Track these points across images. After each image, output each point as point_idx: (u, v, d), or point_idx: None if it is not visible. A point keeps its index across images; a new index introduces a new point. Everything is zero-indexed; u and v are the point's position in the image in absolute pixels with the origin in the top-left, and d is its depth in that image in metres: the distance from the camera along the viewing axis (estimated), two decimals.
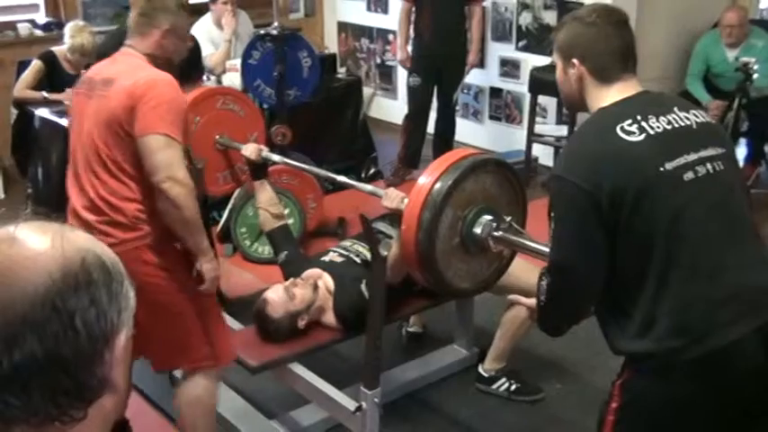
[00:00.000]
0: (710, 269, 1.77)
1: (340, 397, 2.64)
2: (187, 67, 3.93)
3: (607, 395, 1.87)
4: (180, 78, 3.74)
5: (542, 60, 5.53)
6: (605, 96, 1.88)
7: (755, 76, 4.89)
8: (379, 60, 7.11)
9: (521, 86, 5.96)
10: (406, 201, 2.43)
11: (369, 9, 7.04)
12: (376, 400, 2.54)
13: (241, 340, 2.84)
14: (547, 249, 1.94)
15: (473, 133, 6.26)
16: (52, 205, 3.77)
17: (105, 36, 4.99)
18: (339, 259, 3.00)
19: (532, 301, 2.03)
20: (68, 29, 5.02)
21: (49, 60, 5.01)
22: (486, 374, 3.35)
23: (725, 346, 1.74)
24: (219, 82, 4.93)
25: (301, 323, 2.77)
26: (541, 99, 5.64)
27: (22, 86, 5.00)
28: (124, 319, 0.84)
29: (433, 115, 5.77)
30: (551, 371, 3.49)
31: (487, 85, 6.29)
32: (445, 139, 5.73)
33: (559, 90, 2.00)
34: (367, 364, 2.55)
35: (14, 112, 5.12)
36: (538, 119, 5.70)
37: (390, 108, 6.93)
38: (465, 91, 6.22)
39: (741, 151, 5.47)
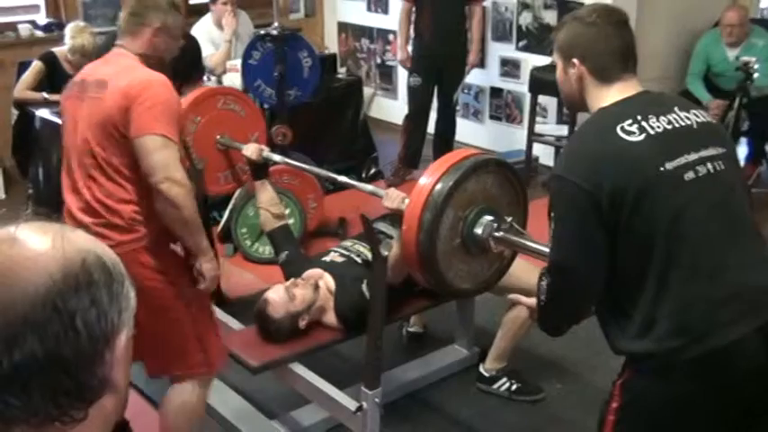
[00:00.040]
0: (711, 269, 1.77)
1: (341, 397, 2.64)
2: (188, 67, 3.95)
3: (607, 395, 1.87)
4: (180, 79, 3.76)
5: (543, 60, 5.53)
6: (605, 96, 1.88)
7: (756, 75, 4.89)
8: (379, 60, 7.11)
9: (521, 86, 5.96)
10: (406, 201, 2.43)
11: (369, 9, 7.05)
12: (377, 400, 2.54)
13: (242, 340, 2.84)
14: (548, 250, 1.94)
15: (473, 133, 6.26)
16: (53, 206, 3.77)
17: (106, 37, 4.98)
18: (340, 259, 3.00)
19: (533, 301, 2.03)
20: (69, 30, 5.02)
21: (50, 61, 5.01)
22: (486, 374, 3.35)
23: (725, 346, 1.74)
24: (220, 82, 4.93)
25: (302, 323, 2.77)
26: (542, 99, 5.64)
27: (23, 87, 5.01)
28: (125, 319, 0.84)
29: (433, 115, 5.77)
30: (552, 371, 3.49)
31: (488, 84, 6.29)
32: (446, 139, 5.73)
33: (560, 90, 2.00)
34: (368, 364, 2.55)
35: (15, 112, 5.12)
36: (538, 119, 5.70)
37: (391, 108, 6.93)
38: (465, 91, 6.22)
39: (742, 150, 5.47)
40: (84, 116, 2.39)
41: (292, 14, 7.11)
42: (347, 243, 3.14)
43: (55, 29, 5.77)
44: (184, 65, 3.90)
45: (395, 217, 2.64)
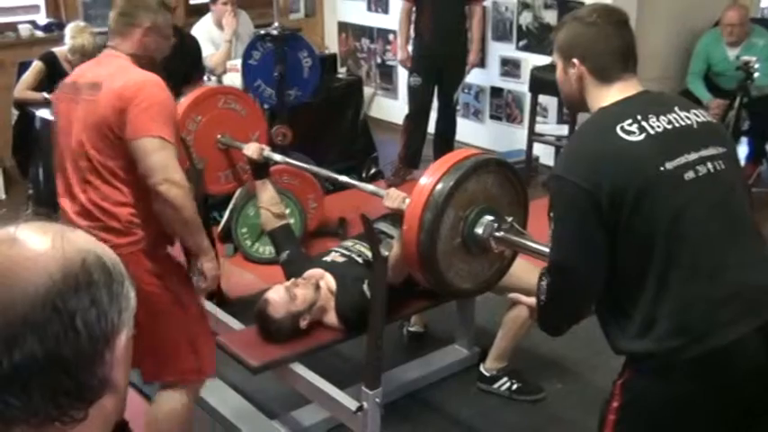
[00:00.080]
0: (711, 269, 1.77)
1: (341, 397, 2.64)
2: (188, 67, 3.96)
3: (608, 395, 1.87)
4: (176, 78, 3.77)
5: (543, 60, 5.53)
6: (605, 96, 1.88)
7: (756, 74, 4.89)
8: (379, 60, 7.11)
9: (521, 86, 5.96)
10: (407, 201, 2.43)
11: (369, 9, 7.05)
12: (377, 399, 2.54)
13: (242, 340, 2.84)
14: (548, 250, 1.94)
15: (474, 133, 6.26)
16: (53, 206, 3.77)
17: (106, 37, 4.99)
18: (341, 259, 3.00)
19: (533, 300, 2.03)
20: (69, 30, 5.02)
21: (50, 61, 5.01)
22: (487, 374, 3.35)
23: (725, 346, 1.74)
24: (220, 82, 4.93)
25: (303, 323, 2.77)
26: (542, 98, 5.64)
27: (23, 87, 5.00)
28: (125, 319, 0.84)
29: (433, 115, 5.77)
30: (552, 370, 3.49)
31: (488, 84, 6.29)
32: (446, 138, 5.73)
33: (560, 90, 2.00)
34: (368, 364, 2.55)
35: (15, 113, 5.12)
36: (538, 118, 5.70)
37: (391, 108, 6.93)
38: (466, 91, 6.22)
39: (742, 150, 5.47)
40: (78, 118, 2.37)
41: (292, 14, 7.11)
42: (348, 243, 3.13)
43: (55, 29, 5.77)
44: (185, 65, 3.92)
45: (396, 217, 2.64)
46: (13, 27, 5.80)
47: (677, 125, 1.82)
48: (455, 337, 3.61)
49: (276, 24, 4.42)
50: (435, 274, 2.35)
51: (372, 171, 5.74)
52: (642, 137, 1.77)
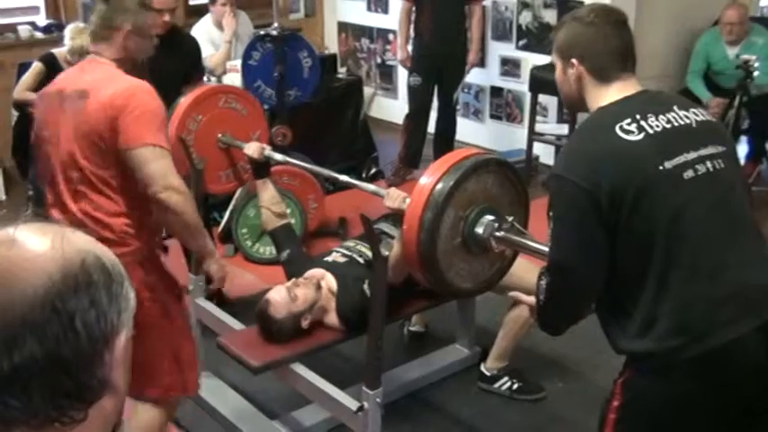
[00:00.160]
0: (711, 268, 1.77)
1: (342, 397, 2.64)
2: (188, 67, 3.95)
3: (609, 394, 1.87)
4: (181, 79, 3.77)
5: (543, 59, 5.52)
6: (604, 96, 1.88)
7: (756, 73, 4.89)
8: (379, 60, 7.11)
9: (521, 85, 5.96)
10: (408, 201, 2.43)
11: (369, 9, 7.04)
12: (378, 399, 2.54)
13: (242, 340, 2.84)
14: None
15: (474, 132, 6.26)
16: None
17: None
18: (342, 259, 3.00)
19: (533, 299, 2.03)
20: (68, 31, 5.01)
21: (50, 62, 5.00)
22: (488, 373, 3.35)
23: (725, 345, 1.74)
24: (220, 83, 4.92)
25: (305, 323, 2.77)
26: (542, 98, 5.64)
27: (23, 88, 4.99)
28: (124, 320, 0.84)
29: (433, 115, 5.77)
30: (553, 369, 3.49)
31: (488, 84, 6.29)
32: (446, 138, 5.73)
33: (559, 90, 2.00)
34: (369, 364, 2.55)
35: (15, 114, 5.12)
36: (538, 118, 5.70)
37: (391, 108, 6.93)
38: (465, 90, 6.22)
39: (742, 149, 5.47)
40: (66, 128, 2.33)
41: (292, 14, 7.11)
42: (349, 243, 3.13)
43: (54, 30, 5.77)
44: (184, 65, 3.92)
45: (396, 217, 2.64)
46: (12, 28, 5.80)
47: (676, 124, 1.82)
48: (456, 336, 3.61)
49: (276, 25, 4.42)
50: (436, 273, 2.35)
51: (372, 171, 5.75)
52: (641, 136, 1.77)
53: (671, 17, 5.77)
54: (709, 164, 1.80)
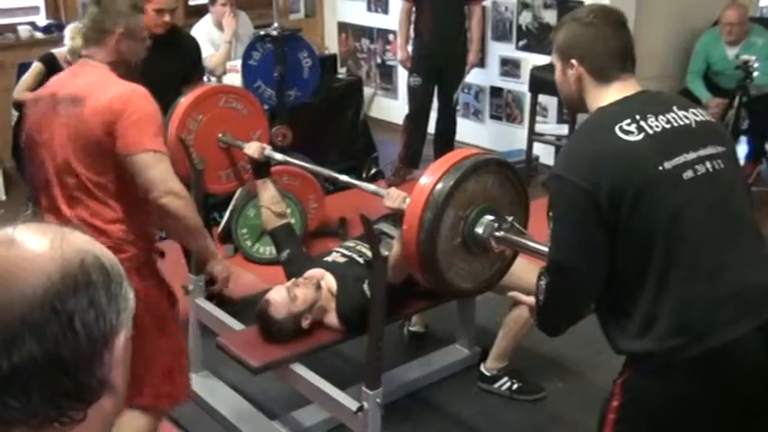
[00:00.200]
0: (711, 269, 1.77)
1: (342, 397, 2.64)
2: (188, 67, 3.95)
3: (608, 394, 1.87)
4: (181, 79, 3.77)
5: (543, 59, 5.52)
6: (604, 96, 1.88)
7: (756, 73, 4.89)
8: (379, 60, 7.11)
9: (521, 86, 5.96)
10: (408, 201, 2.43)
11: (369, 9, 7.04)
12: (378, 400, 2.54)
13: (242, 340, 2.85)
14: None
15: (474, 133, 6.26)
16: None
17: None
18: (342, 259, 3.00)
19: (533, 299, 2.03)
20: (68, 31, 5.01)
21: (50, 62, 5.00)
22: (488, 373, 3.35)
23: (725, 345, 1.74)
24: (220, 83, 4.93)
25: (305, 323, 2.77)
26: (542, 98, 5.64)
27: (23, 88, 5.00)
28: (123, 320, 0.84)
29: (433, 115, 5.77)
30: (553, 370, 3.49)
31: (488, 84, 6.29)
32: (446, 138, 5.73)
33: (559, 90, 2.00)
34: (368, 365, 2.55)
35: (15, 114, 5.13)
36: (538, 118, 5.70)
37: (391, 108, 6.93)
38: (465, 90, 6.22)
39: (742, 149, 5.47)
40: (61, 134, 2.30)
41: (292, 15, 7.11)
42: (349, 243, 3.13)
43: (54, 30, 5.77)
44: (184, 65, 3.92)
45: (396, 217, 2.64)
46: (12, 28, 5.81)
47: (676, 125, 1.82)
48: (456, 336, 3.61)
49: (276, 25, 4.42)
50: (435, 273, 2.35)
51: (372, 171, 5.75)
52: (641, 137, 1.77)
53: (671, 17, 5.77)
54: (708, 164, 1.80)
